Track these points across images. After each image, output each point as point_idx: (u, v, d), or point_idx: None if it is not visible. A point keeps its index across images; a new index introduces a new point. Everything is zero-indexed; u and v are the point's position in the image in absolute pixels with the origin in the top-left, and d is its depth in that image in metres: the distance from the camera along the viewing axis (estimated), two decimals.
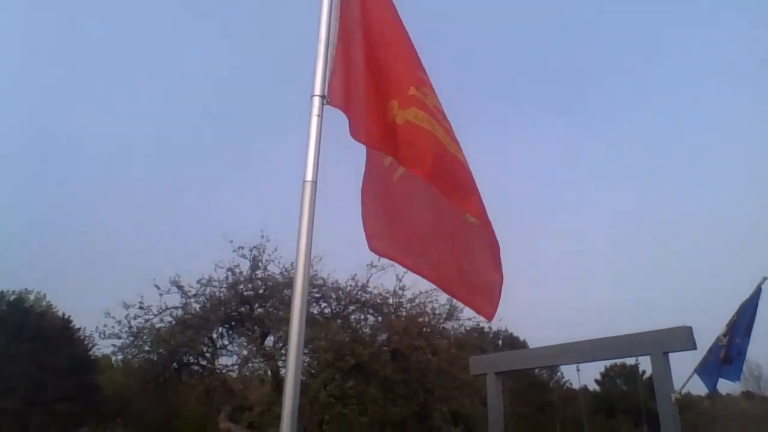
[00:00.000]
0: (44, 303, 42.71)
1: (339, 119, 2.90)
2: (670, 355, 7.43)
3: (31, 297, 42.67)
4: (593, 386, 50.40)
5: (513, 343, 41.02)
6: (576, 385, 45.68)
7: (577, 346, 8.51)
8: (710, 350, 6.96)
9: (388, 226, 3.15)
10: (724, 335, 6.81)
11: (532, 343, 44.03)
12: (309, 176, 2.64)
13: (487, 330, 21.51)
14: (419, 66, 3.06)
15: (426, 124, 2.90)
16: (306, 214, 2.58)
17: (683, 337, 7.15)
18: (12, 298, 39.89)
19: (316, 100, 2.77)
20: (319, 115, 2.75)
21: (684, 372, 7.70)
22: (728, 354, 6.74)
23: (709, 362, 6.90)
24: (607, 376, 51.11)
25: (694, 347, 7.10)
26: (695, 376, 7.07)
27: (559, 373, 46.00)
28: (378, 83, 2.99)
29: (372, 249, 3.09)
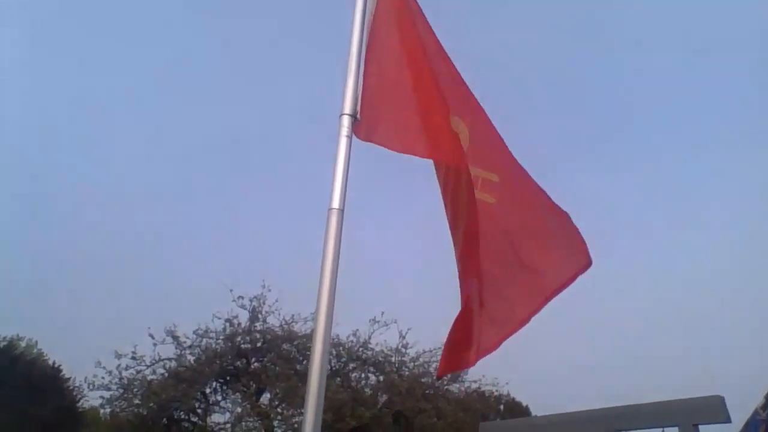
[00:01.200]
0: (35, 351, 41.59)
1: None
2: (701, 427, 6.90)
3: (22, 344, 41.58)
4: None
5: (515, 408, 39.48)
6: None
7: (596, 414, 7.95)
8: (747, 425, 6.39)
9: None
10: (763, 408, 6.27)
11: (535, 408, 42.41)
12: (336, 203, 2.34)
13: (488, 394, 20.61)
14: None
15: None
16: (331, 246, 2.26)
17: (715, 408, 6.62)
18: (2, 345, 38.90)
19: (346, 120, 2.51)
20: (348, 136, 2.48)
21: None
22: None
23: None
24: None
25: (728, 420, 6.54)
26: None
27: None
28: (435, 99, 2.75)
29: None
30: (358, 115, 2.54)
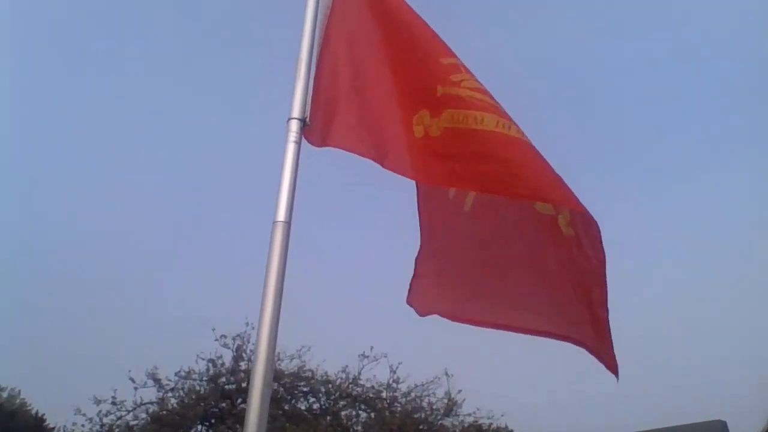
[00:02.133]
0: (17, 401, 40.27)
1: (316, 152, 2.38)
2: None
3: (4, 394, 40.27)
4: None
5: None
6: None
7: None
8: None
9: (459, 274, 2.62)
10: None
11: None
12: (281, 215, 2.07)
13: (485, 428, 19.99)
14: (442, 51, 2.49)
15: (469, 123, 2.32)
16: (275, 262, 1.98)
17: None
18: None
19: (294, 124, 2.27)
20: (296, 142, 2.24)
21: None
22: None
23: None
24: None
25: None
26: None
27: None
28: (395, 98, 2.48)
29: (420, 311, 2.62)
30: (308, 120, 2.31)
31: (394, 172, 2.40)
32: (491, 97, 2.41)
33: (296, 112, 2.28)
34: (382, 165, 2.38)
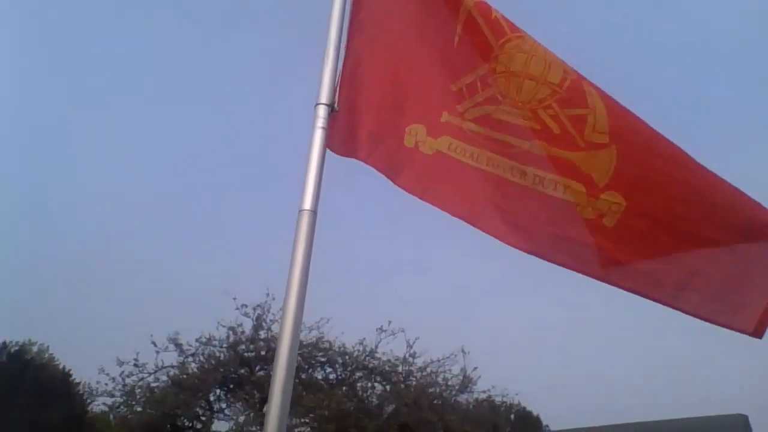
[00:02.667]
0: (46, 355, 41.77)
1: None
2: None
3: (34, 349, 41.76)
4: None
5: (526, 418, 38.87)
6: None
7: (615, 430, 7.60)
8: None
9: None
10: None
11: (547, 418, 41.73)
12: (307, 204, 2.02)
13: (498, 403, 20.13)
14: (456, 73, 2.43)
15: (466, 156, 2.35)
16: (301, 252, 1.95)
17: (738, 426, 6.30)
18: (13, 349, 39.03)
19: (321, 110, 2.20)
20: (323, 128, 2.17)
21: None
22: None
23: None
24: None
25: None
26: None
27: None
28: (400, 99, 2.43)
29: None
30: (336, 106, 2.24)
31: (376, 168, 2.40)
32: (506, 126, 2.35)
33: (324, 97, 2.21)
34: (365, 161, 2.39)
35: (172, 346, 15.84)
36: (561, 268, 2.37)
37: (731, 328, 2.29)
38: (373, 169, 2.40)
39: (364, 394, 16.24)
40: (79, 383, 37.15)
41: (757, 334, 2.23)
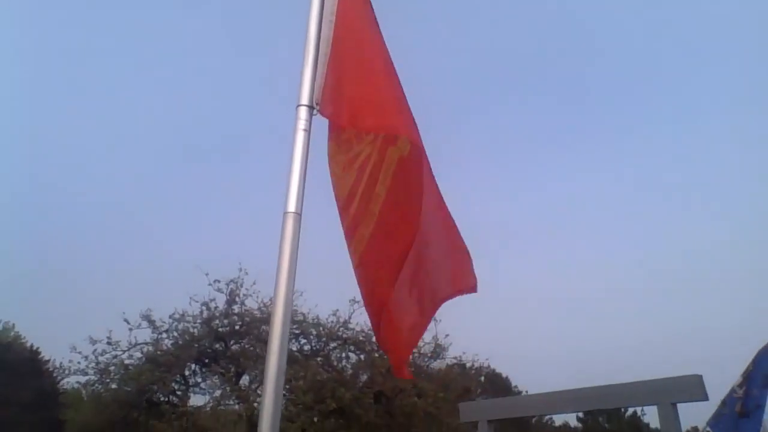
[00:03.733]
0: (12, 333, 40.94)
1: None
2: (679, 405, 6.92)
3: None
4: (575, 423, 49.42)
5: (495, 380, 40.16)
6: (557, 422, 44.74)
7: (578, 393, 7.93)
8: (724, 402, 6.41)
9: None
10: (740, 386, 6.28)
11: (516, 381, 43.18)
12: (291, 206, 2.09)
13: (469, 365, 20.76)
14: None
15: None
16: (287, 252, 2.02)
17: (693, 387, 6.62)
18: None
19: (303, 111, 2.24)
20: (305, 130, 2.22)
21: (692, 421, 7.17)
22: (745, 407, 6.19)
23: (724, 415, 6.34)
24: (589, 413, 50.22)
25: (705, 398, 6.55)
26: (708, 429, 6.52)
27: (540, 415, 45.04)
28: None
29: None
30: (317, 106, 2.29)
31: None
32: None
33: (305, 98, 2.25)
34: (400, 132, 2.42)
35: (145, 323, 15.81)
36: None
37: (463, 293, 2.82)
38: None
39: (339, 364, 16.52)
40: (48, 361, 36.66)
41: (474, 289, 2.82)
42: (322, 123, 2.33)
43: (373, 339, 16.18)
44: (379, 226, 2.41)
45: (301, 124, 2.20)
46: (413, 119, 2.46)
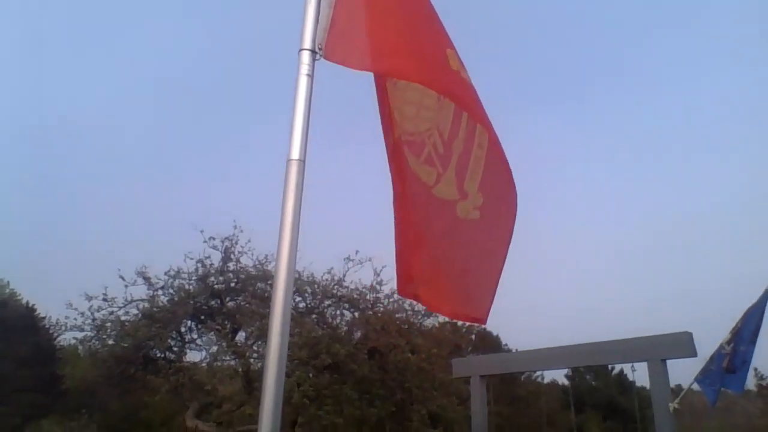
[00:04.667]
0: (7, 290, 41.12)
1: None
2: (668, 362, 7.07)
3: None
4: (563, 381, 50.82)
5: (486, 338, 40.98)
6: (546, 380, 45.98)
7: (570, 350, 8.08)
8: (712, 358, 6.57)
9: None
10: (728, 343, 6.42)
11: (506, 340, 44.05)
12: (296, 153, 2.04)
13: (461, 324, 21.18)
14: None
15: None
16: (291, 200, 1.99)
17: (683, 344, 6.77)
18: None
19: (306, 56, 2.16)
20: (308, 75, 2.15)
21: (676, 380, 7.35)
22: (732, 363, 6.35)
23: (711, 371, 6.51)
24: (577, 371, 51.56)
25: (694, 355, 6.72)
26: (695, 384, 6.70)
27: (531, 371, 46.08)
28: (425, 30, 2.42)
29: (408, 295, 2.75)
30: (321, 50, 2.20)
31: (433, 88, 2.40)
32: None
33: (307, 42, 2.17)
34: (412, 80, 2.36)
35: (140, 280, 15.85)
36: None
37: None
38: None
39: (334, 322, 16.73)
40: (44, 318, 36.95)
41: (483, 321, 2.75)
42: (323, 69, 2.26)
43: (368, 297, 16.40)
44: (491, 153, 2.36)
45: (304, 69, 2.14)
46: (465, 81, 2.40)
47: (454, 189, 2.42)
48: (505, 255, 2.58)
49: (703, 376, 6.60)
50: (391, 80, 2.43)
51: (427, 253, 2.55)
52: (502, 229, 2.54)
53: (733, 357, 6.37)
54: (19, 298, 39.89)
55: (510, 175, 2.44)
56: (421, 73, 2.30)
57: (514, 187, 2.47)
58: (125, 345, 15.60)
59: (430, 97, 2.44)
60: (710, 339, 6.86)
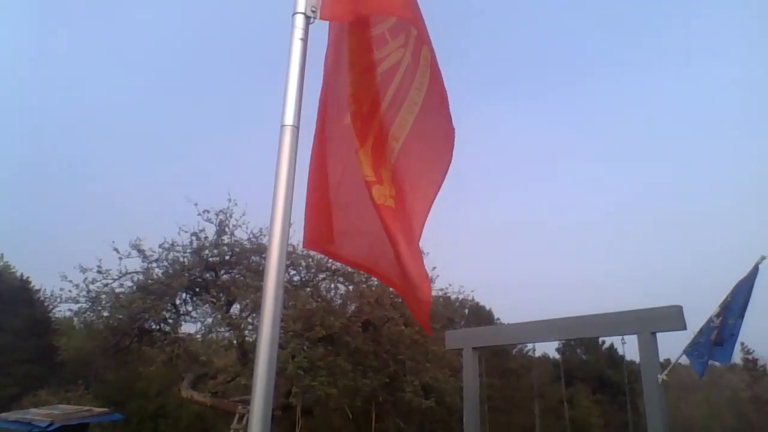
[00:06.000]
0: (1, 263, 41.07)
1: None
2: (658, 335, 7.16)
3: None
4: (554, 354, 51.58)
5: (479, 312, 41.38)
6: (537, 354, 46.64)
7: (561, 322, 8.17)
8: (701, 331, 6.66)
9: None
10: (717, 316, 6.51)
11: (498, 313, 44.54)
12: (289, 119, 2.02)
13: (454, 298, 21.32)
14: None
15: None
16: (285, 166, 1.98)
17: (673, 317, 6.85)
18: None
19: (300, 19, 2.13)
20: (302, 39, 2.11)
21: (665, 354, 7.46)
22: (720, 336, 6.45)
23: (700, 343, 6.60)
24: (568, 345, 52.33)
25: (684, 327, 6.81)
26: (683, 357, 6.80)
27: (523, 343, 46.67)
28: None
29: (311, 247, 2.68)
30: (315, 12, 2.16)
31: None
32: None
33: (301, 5, 2.13)
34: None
35: (135, 252, 15.87)
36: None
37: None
38: None
39: (328, 295, 16.82)
40: (39, 290, 37.03)
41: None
42: (317, 33, 2.22)
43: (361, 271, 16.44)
44: (414, 137, 2.28)
45: (298, 33, 2.10)
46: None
47: (370, 170, 2.31)
48: (419, 235, 2.52)
49: (691, 348, 6.70)
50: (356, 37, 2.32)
51: (338, 215, 2.53)
52: (418, 215, 2.49)
53: (721, 330, 6.47)
54: (13, 270, 39.88)
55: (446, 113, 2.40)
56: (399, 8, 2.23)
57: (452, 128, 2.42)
58: (120, 317, 15.68)
59: (369, 71, 2.33)
60: (700, 313, 6.96)
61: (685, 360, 7.03)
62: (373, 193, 2.28)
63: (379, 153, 2.30)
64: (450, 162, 2.43)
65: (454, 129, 2.36)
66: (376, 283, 16.32)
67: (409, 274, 2.34)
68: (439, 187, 2.47)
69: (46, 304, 33.70)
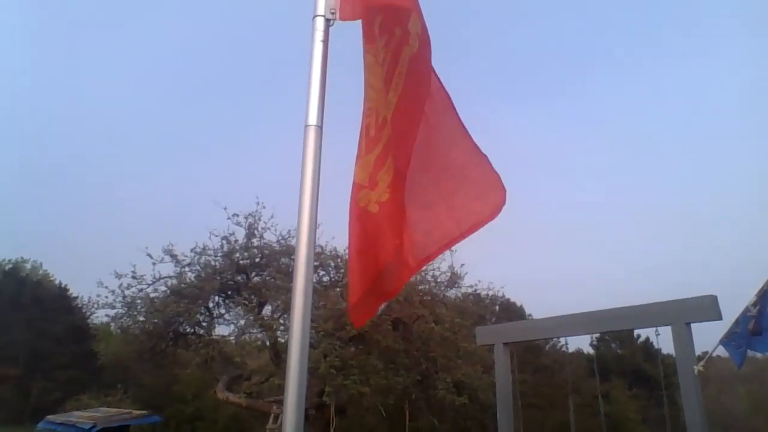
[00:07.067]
0: (40, 272, 42.43)
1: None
2: (693, 325, 7.02)
3: (28, 266, 42.35)
4: (588, 350, 50.75)
5: (510, 308, 40.97)
6: (570, 349, 45.97)
7: (593, 315, 8.07)
8: (737, 321, 6.50)
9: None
10: (754, 305, 6.35)
11: (530, 309, 44.06)
12: (313, 119, 2.07)
13: (484, 295, 21.16)
14: None
15: None
16: (310, 166, 2.03)
17: (707, 307, 6.71)
18: (8, 267, 39.56)
19: (320, 22, 2.18)
20: (323, 41, 2.17)
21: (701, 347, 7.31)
22: (758, 325, 6.29)
23: (736, 333, 6.45)
24: (602, 340, 51.45)
25: (719, 318, 6.66)
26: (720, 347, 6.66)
27: (555, 337, 46.07)
28: None
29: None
30: (334, 14, 2.21)
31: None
32: None
33: (321, 8, 2.18)
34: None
35: (167, 258, 16.22)
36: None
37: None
38: None
39: None
40: (76, 297, 38.11)
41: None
42: (337, 35, 2.27)
43: None
44: (391, 140, 2.26)
45: (319, 35, 2.16)
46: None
47: (366, 175, 2.31)
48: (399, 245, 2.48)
49: (728, 339, 6.55)
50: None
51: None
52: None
53: (759, 319, 6.31)
54: (52, 278, 41.15)
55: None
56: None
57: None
58: (155, 321, 16.03)
59: (378, 76, 2.30)
60: (736, 303, 6.80)
61: (723, 353, 6.88)
62: (357, 196, 2.31)
63: (383, 160, 2.30)
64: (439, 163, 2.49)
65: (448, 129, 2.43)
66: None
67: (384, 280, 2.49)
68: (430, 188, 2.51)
69: (84, 310, 34.70)
